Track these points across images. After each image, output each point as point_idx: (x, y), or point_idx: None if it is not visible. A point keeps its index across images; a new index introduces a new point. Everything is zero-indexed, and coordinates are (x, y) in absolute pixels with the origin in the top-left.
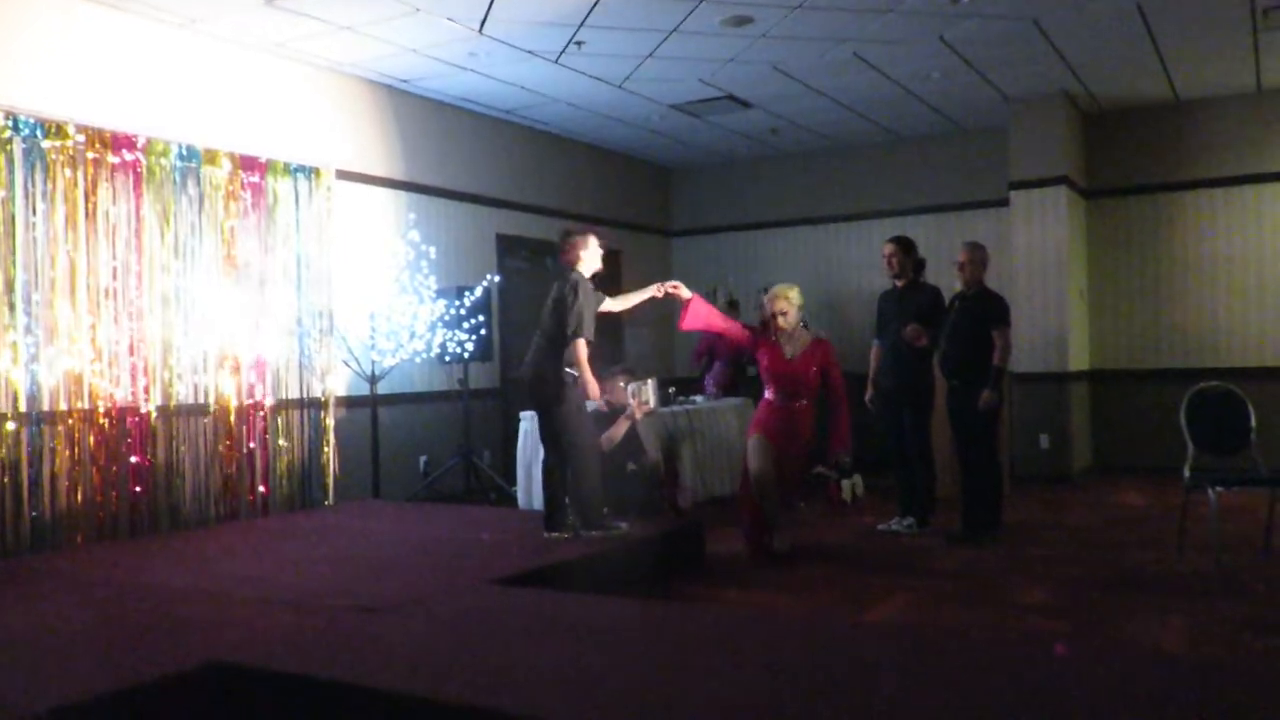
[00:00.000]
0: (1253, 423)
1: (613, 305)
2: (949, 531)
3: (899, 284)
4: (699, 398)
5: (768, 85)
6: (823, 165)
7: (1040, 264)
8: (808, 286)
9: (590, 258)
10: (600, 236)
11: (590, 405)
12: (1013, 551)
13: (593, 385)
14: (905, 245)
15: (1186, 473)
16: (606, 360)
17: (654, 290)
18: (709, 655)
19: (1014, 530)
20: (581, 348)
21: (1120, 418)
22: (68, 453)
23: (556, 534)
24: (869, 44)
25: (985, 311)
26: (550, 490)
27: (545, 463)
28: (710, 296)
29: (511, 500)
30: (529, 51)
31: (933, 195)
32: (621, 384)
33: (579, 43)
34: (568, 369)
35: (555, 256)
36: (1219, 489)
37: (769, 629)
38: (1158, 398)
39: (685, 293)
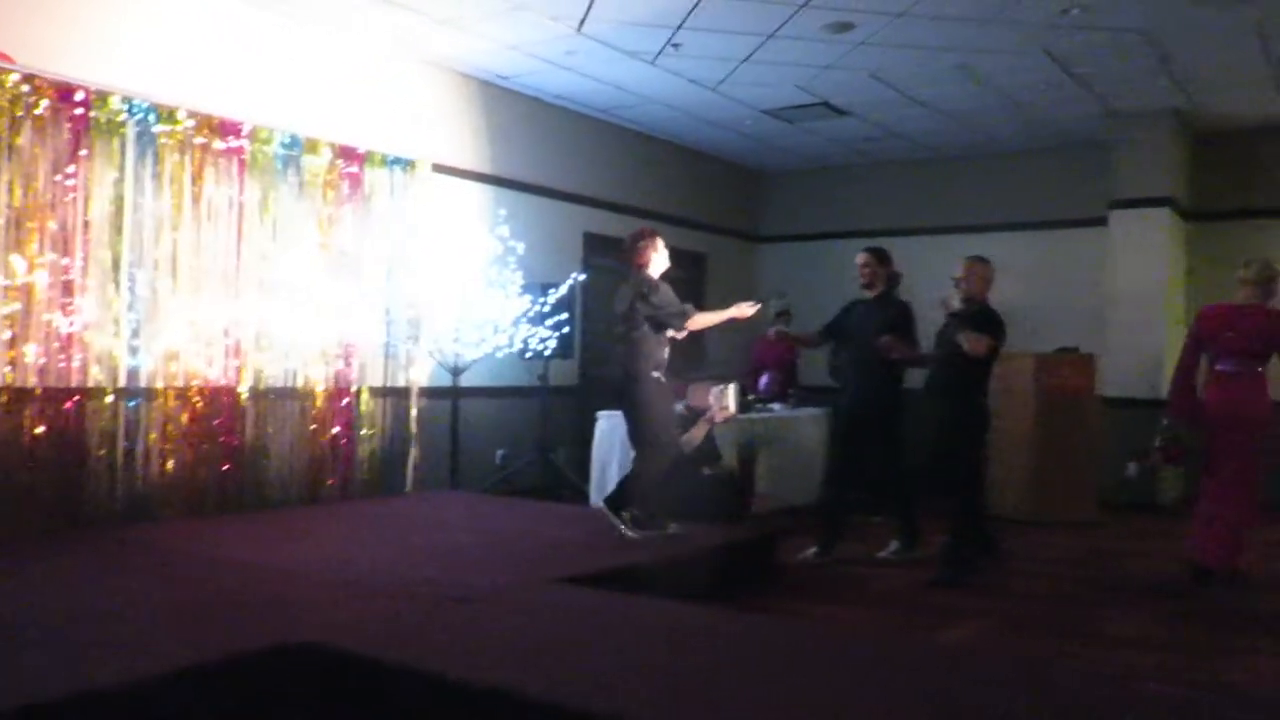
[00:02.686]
0: None
1: (694, 324)
2: (931, 578)
3: (869, 295)
4: (777, 405)
5: (865, 93)
6: (915, 176)
7: (1139, 287)
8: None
9: (659, 259)
10: (661, 236)
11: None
12: (1097, 579)
13: (729, 313)
14: (880, 256)
15: None
16: (687, 364)
17: (736, 311)
18: (783, 666)
19: (1099, 557)
20: (697, 320)
21: None
22: (162, 428)
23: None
24: (972, 54)
25: (980, 328)
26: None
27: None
28: (765, 303)
29: (584, 498)
30: (627, 52)
31: (1027, 211)
32: (705, 388)
33: (676, 44)
34: (655, 371)
35: (624, 258)
36: None
37: (839, 645)
38: None
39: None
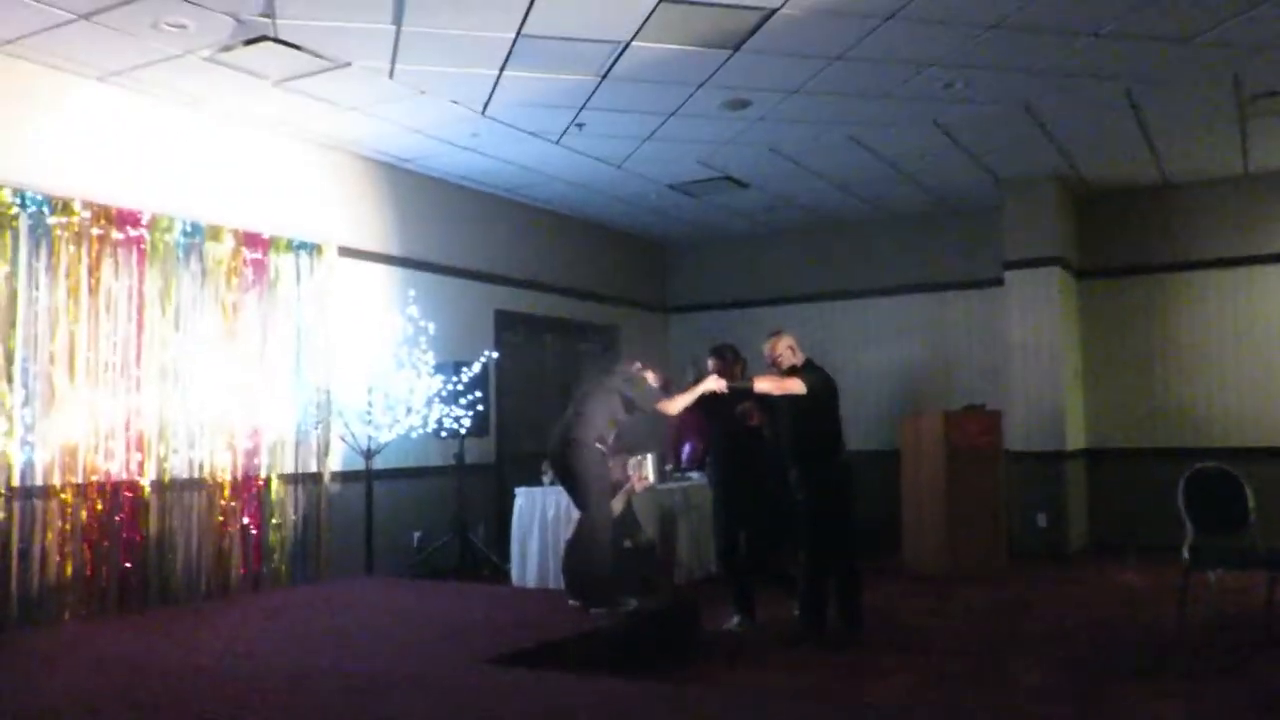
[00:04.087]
0: (1250, 503)
1: (669, 407)
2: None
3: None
4: (695, 474)
5: (764, 165)
6: (818, 243)
7: (1035, 343)
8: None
9: (652, 382)
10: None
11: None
12: (1012, 630)
13: (702, 388)
14: (726, 354)
15: (1186, 553)
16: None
17: (709, 386)
18: None
19: (1012, 608)
20: (669, 406)
21: (1117, 497)
22: (59, 527)
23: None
24: (864, 126)
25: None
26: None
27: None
28: (682, 372)
29: (504, 575)
30: (531, 133)
31: (927, 274)
32: (623, 460)
33: (580, 124)
34: (598, 444)
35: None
36: (1219, 570)
37: (773, 710)
38: (1154, 477)
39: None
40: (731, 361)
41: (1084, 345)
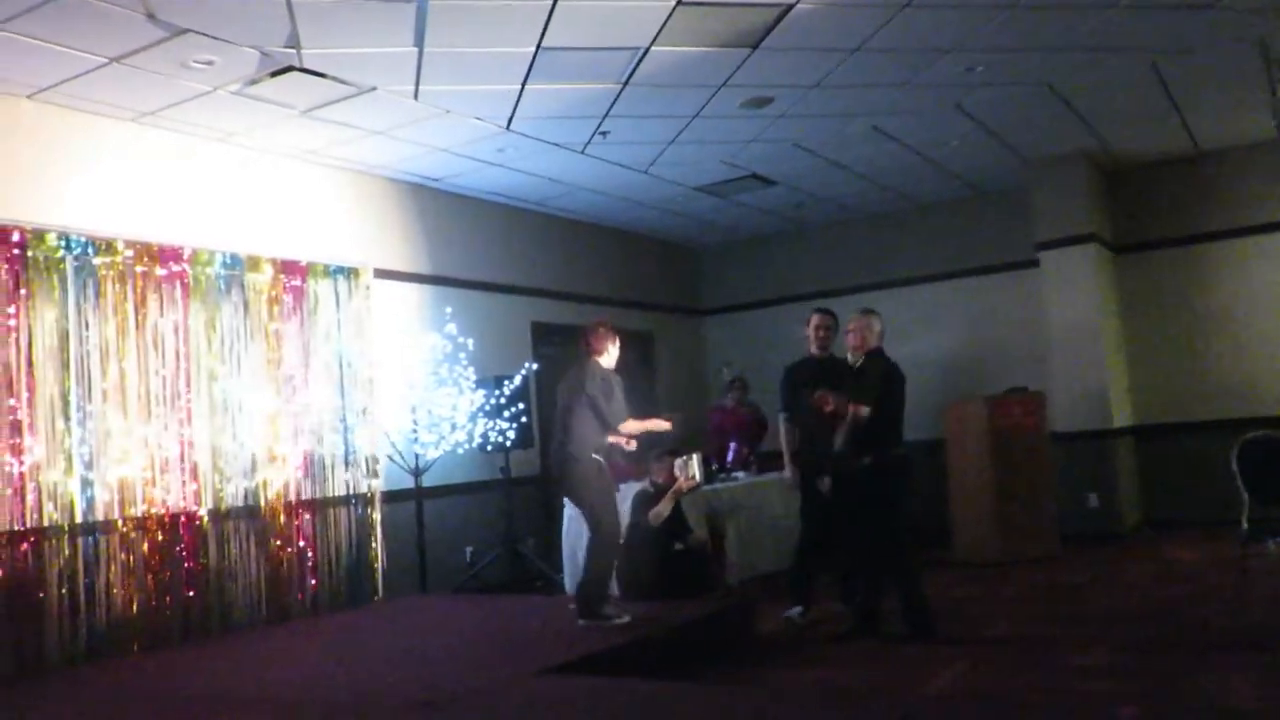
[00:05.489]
0: None
1: (627, 427)
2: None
3: (818, 355)
4: (741, 474)
5: (789, 162)
6: (848, 236)
7: (1075, 321)
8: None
9: (614, 350)
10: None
11: (636, 486)
12: (1068, 613)
13: (652, 425)
14: (837, 319)
15: (1244, 524)
16: (647, 443)
17: (655, 424)
18: None
19: (1068, 591)
20: (629, 427)
21: (1168, 472)
22: (122, 560)
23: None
24: (887, 115)
25: (867, 378)
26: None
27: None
28: (717, 374)
29: (557, 587)
30: (556, 144)
31: (959, 260)
32: (668, 461)
33: (604, 133)
34: (594, 453)
35: (580, 343)
36: (1278, 540)
37: (830, 707)
38: (1205, 450)
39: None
40: (833, 327)
41: (1125, 321)
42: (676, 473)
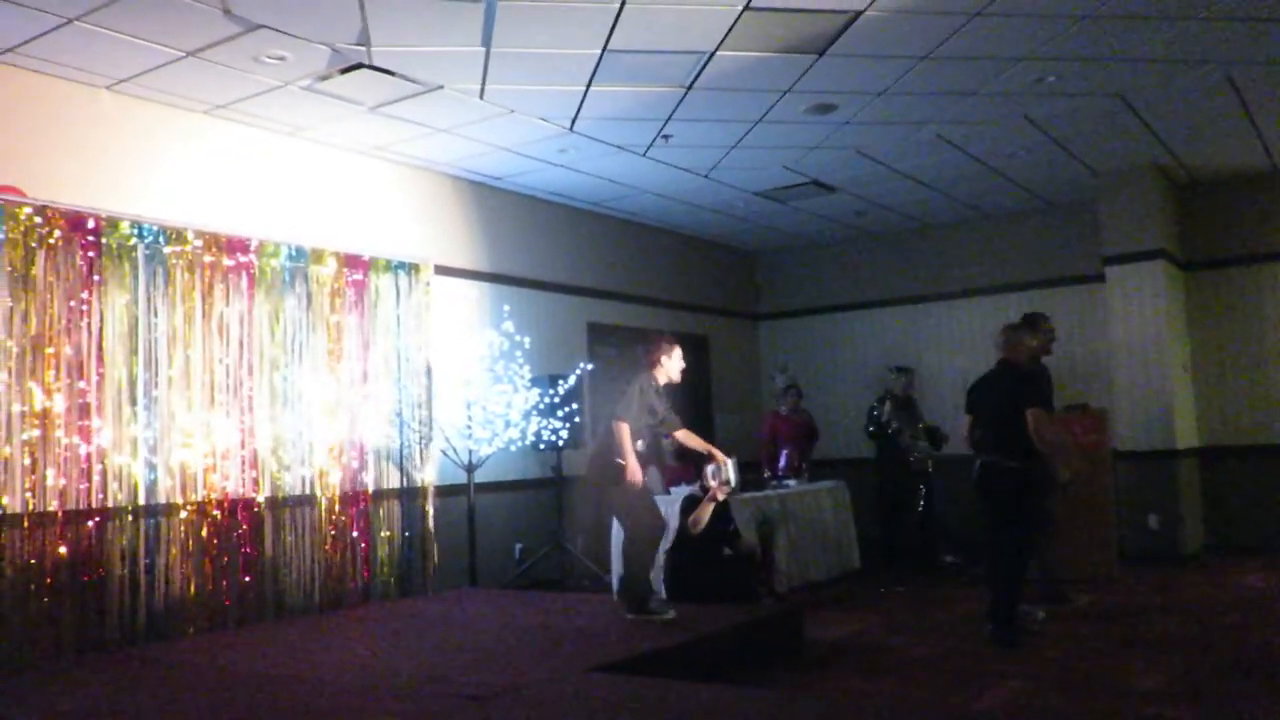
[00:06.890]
0: None
1: (681, 436)
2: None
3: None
4: (792, 481)
5: (851, 169)
6: (908, 245)
7: (1140, 339)
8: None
9: (671, 365)
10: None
11: (687, 490)
12: (1127, 634)
13: (632, 468)
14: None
15: None
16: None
17: (711, 470)
18: None
19: (1126, 612)
20: (624, 430)
21: (1235, 495)
22: (182, 543)
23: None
24: (953, 124)
25: (1014, 392)
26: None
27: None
28: (770, 380)
29: (604, 586)
30: (618, 146)
31: (1022, 272)
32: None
33: (666, 136)
34: (629, 458)
35: (639, 352)
36: None
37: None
38: (1271, 474)
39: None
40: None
41: (1193, 340)
42: (710, 480)
